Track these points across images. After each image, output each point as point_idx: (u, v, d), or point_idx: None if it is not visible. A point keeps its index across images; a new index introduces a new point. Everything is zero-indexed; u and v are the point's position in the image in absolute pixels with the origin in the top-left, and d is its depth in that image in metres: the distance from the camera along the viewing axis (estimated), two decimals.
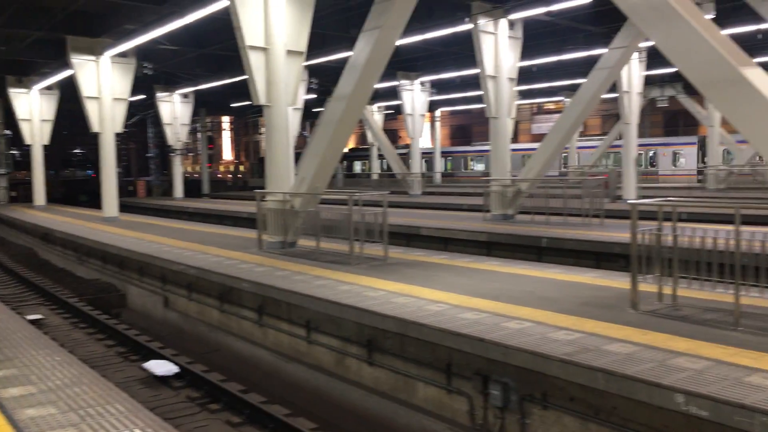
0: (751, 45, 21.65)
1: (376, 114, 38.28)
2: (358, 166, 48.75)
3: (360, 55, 12.03)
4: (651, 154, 38.33)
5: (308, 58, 18.41)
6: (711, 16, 14.43)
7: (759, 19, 16.03)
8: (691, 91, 29.88)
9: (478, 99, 34.58)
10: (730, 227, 6.66)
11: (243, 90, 13.53)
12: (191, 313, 12.18)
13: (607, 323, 6.87)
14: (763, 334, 6.29)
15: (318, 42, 20.60)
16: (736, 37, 17.15)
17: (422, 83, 30.62)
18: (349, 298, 8.41)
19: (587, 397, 5.76)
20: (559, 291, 8.69)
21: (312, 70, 26.81)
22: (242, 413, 7.73)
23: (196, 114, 38.33)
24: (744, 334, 6.32)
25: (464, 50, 20.99)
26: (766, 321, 6.70)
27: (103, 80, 20.73)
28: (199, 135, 50.59)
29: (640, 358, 5.64)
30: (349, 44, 13.91)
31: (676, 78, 29.66)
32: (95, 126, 20.91)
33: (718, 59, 6.70)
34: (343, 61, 12.92)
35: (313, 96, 31.12)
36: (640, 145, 38.24)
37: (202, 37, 22.65)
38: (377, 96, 35.42)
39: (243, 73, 12.79)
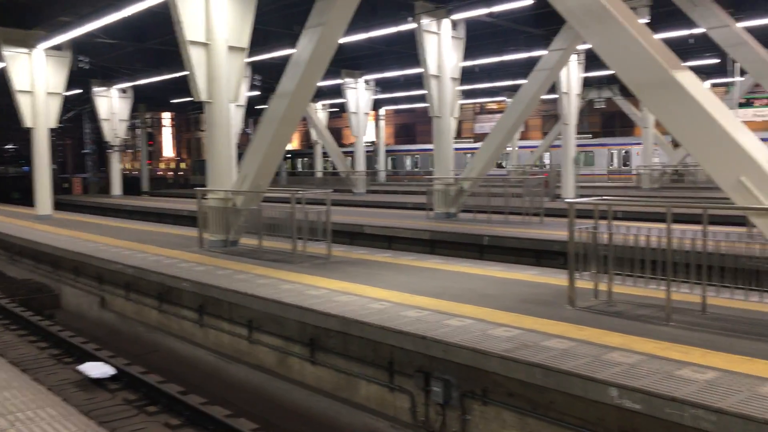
0: (684, 49, 22.42)
1: (320, 112, 38.13)
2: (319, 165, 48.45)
3: (303, 52, 11.96)
4: (624, 152, 39.32)
5: (251, 55, 18.20)
6: (645, 20, 14.88)
7: (692, 24, 16.60)
8: (626, 93, 30.76)
9: (422, 98, 34.78)
10: (662, 225, 6.88)
11: (184, 86, 13.28)
12: (129, 314, 11.89)
13: (546, 320, 7.01)
14: (692, 328, 6.52)
15: (261, 38, 20.37)
16: (669, 42, 17.76)
17: (366, 82, 30.65)
18: (291, 297, 8.35)
19: (526, 393, 5.87)
20: (500, 288, 8.82)
21: (255, 67, 26.52)
22: (182, 415, 7.58)
23: (135, 110, 37.40)
24: (675, 328, 6.54)
25: (408, 49, 21.09)
26: (695, 316, 6.95)
27: (37, 74, 20.02)
28: (138, 131, 49.44)
29: (577, 353, 5.77)
30: (292, 41, 13.80)
31: (613, 80, 30.49)
32: (28, 121, 20.18)
33: (651, 62, 6.91)
34: (287, 58, 12.82)
35: (257, 93, 30.78)
36: (613, 145, 39.20)
37: (141, 31, 22.14)
38: (321, 94, 35.30)
39: (184, 69, 12.53)
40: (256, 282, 9.46)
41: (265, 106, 13.06)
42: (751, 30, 16.42)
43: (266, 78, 27.86)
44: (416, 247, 15.39)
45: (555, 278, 9.39)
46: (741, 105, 35.56)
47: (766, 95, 30.91)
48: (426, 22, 17.19)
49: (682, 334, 6.34)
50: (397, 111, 57.85)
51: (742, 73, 19.83)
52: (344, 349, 7.62)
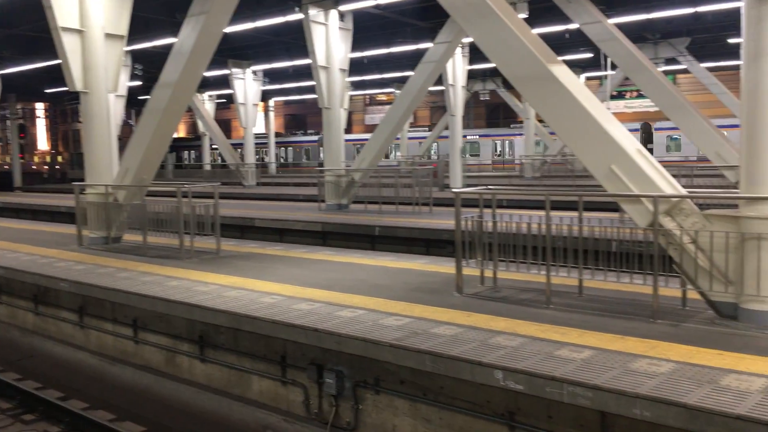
0: (561, 43, 23.50)
1: (207, 103, 37.13)
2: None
3: (186, 41, 11.58)
4: (507, 143, 40.69)
5: (131, 43, 17.46)
6: (524, 15, 15.44)
7: (567, 19, 17.39)
8: (509, 85, 31.88)
9: (312, 89, 34.60)
10: (542, 213, 7.20)
11: (59, 75, 12.51)
12: (1, 318, 11.15)
13: (435, 307, 7.18)
14: (570, 310, 6.87)
15: (141, 26, 19.54)
16: (546, 36, 18.53)
17: (254, 72, 30.11)
18: (178, 294, 8.10)
19: (416, 380, 5.99)
20: (391, 278, 8.94)
21: (136, 56, 25.44)
22: (61, 422, 7.21)
23: (4, 100, 34.97)
24: (554, 311, 6.87)
25: (297, 40, 20.87)
26: (573, 298, 7.33)
27: None
28: (8, 123, 46.26)
29: (464, 338, 5.95)
30: (175, 29, 13.32)
31: (497, 73, 31.47)
32: None
33: (529, 56, 7.18)
34: (169, 47, 12.37)
35: (138, 83, 29.55)
36: (496, 136, 40.41)
37: (9, 16, 20.66)
38: (208, 84, 34.36)
39: (58, 57, 11.82)
40: (141, 279, 9.11)
41: (148, 97, 12.54)
42: (620, 26, 17.41)
43: (148, 67, 26.75)
44: (308, 239, 15.34)
45: (444, 266, 9.62)
46: (613, 97, 37.73)
47: (635, 88, 32.85)
48: (313, 12, 17.08)
49: (561, 315, 6.67)
50: (287, 102, 57.26)
51: (614, 67, 20.99)
52: (235, 344, 7.49)
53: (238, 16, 12.60)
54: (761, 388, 4.54)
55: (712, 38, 25.73)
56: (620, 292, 7.42)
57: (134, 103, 37.92)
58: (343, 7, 17.58)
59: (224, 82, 31.26)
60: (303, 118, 61.51)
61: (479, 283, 8.05)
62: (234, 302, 7.61)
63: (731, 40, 24.13)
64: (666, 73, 31.93)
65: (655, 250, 6.44)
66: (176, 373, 8.17)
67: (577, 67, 30.95)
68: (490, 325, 6.40)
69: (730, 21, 20.99)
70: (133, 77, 27.05)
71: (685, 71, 31.44)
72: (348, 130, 46.37)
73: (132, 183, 11.94)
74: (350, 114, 48.23)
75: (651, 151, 26.47)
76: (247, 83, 29.85)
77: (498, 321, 6.53)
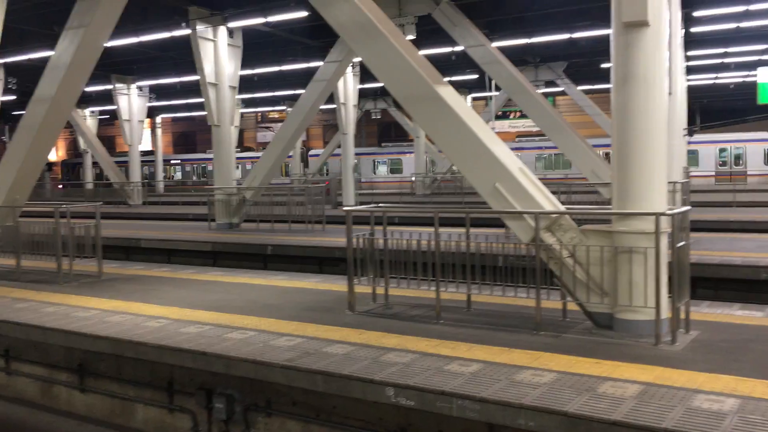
0: (448, 65, 24.24)
1: (88, 119, 35.51)
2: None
3: (63, 54, 11.04)
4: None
5: (4, 55, 16.46)
6: (411, 37, 15.81)
7: (453, 42, 17.96)
8: (399, 104, 32.44)
9: (202, 106, 33.86)
10: (432, 229, 7.35)
11: None
12: None
13: (328, 326, 7.15)
14: (459, 324, 7.04)
15: (16, 38, 18.49)
16: (433, 58, 19.07)
17: (140, 88, 29.14)
18: (55, 321, 7.65)
19: (309, 400, 5.94)
20: (283, 298, 8.84)
21: (9, 69, 24.00)
22: None
23: None
24: (444, 326, 7.01)
25: (184, 55, 20.38)
26: (461, 313, 7.51)
27: None
28: None
29: (356, 357, 5.96)
30: (52, 42, 12.68)
31: (387, 92, 31.99)
32: None
33: (417, 77, 7.36)
34: (46, 60, 11.75)
35: (12, 97, 27.86)
36: (391, 154, 40.77)
37: None
38: (89, 100, 32.90)
39: None
40: (14, 306, 8.54)
41: (23, 112, 11.85)
42: (503, 50, 18.18)
43: (23, 81, 25.30)
44: (197, 260, 14.92)
45: (337, 285, 9.61)
46: (498, 117, 39.23)
47: (519, 108, 34.18)
48: (201, 28, 16.76)
49: (450, 330, 6.81)
50: (175, 119, 55.70)
51: (498, 88, 21.85)
52: (118, 372, 7.16)
53: (121, 30, 12.15)
54: (635, 393, 4.81)
55: (586, 63, 27.33)
56: (506, 306, 7.67)
57: (8, 118, 35.69)
58: (232, 24, 17.35)
59: (107, 97, 30.04)
60: (192, 135, 59.97)
61: (371, 301, 8.10)
62: (117, 327, 7.26)
63: (604, 65, 25.68)
64: (546, 95, 33.62)
65: (537, 265, 6.72)
66: (53, 405, 7.70)
67: (463, 87, 32.00)
68: (381, 342, 6.44)
69: (602, 47, 22.34)
70: (6, 91, 25.48)
71: (563, 93, 33.18)
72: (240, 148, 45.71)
73: (4, 204, 11.20)
74: (241, 132, 47.57)
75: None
76: (131, 99, 28.83)
77: (389, 338, 6.58)
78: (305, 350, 6.20)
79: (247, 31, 18.28)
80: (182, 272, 11.26)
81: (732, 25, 20.91)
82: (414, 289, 7.71)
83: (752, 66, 27.15)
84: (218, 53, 17.23)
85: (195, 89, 25.81)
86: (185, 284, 10.04)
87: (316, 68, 18.76)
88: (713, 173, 32.48)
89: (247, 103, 38.23)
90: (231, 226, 17.70)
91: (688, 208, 6.74)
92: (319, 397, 5.84)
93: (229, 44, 17.46)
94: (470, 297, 7.59)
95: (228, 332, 6.97)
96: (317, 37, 20.68)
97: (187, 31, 17.16)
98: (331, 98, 23.13)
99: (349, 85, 23.62)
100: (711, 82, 34.18)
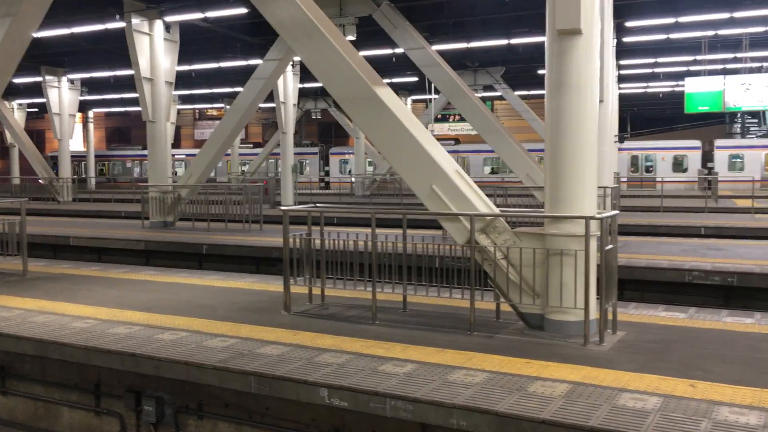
0: (388, 67, 24.34)
1: (16, 112, 34.18)
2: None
3: None
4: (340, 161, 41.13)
5: None
6: (352, 38, 15.80)
7: (394, 44, 18.04)
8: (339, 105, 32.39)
9: (137, 101, 33.04)
10: (369, 230, 7.36)
11: None
12: None
13: (262, 327, 7.07)
14: (395, 325, 7.07)
15: None
16: (374, 59, 19.10)
17: (71, 81, 28.20)
18: None
19: (242, 402, 5.86)
20: (218, 298, 8.70)
21: None
22: None
23: None
24: (380, 326, 7.03)
25: (118, 49, 19.82)
26: (398, 314, 7.55)
27: None
28: None
29: (291, 358, 5.91)
30: None
31: (328, 92, 31.91)
32: None
33: (355, 78, 7.36)
34: None
35: None
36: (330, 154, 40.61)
37: None
38: (17, 92, 31.68)
39: None
40: None
41: None
42: (443, 53, 18.35)
43: None
44: (130, 259, 14.55)
45: (273, 285, 9.52)
46: (437, 120, 39.65)
47: (458, 112, 34.50)
48: (137, 21, 16.35)
49: (386, 331, 6.83)
50: (109, 114, 54.17)
51: (437, 91, 22.07)
52: (42, 374, 6.90)
53: (52, 21, 11.73)
54: (563, 393, 4.93)
55: (524, 69, 27.92)
56: (441, 307, 7.74)
57: None
58: (168, 18, 16.98)
59: (37, 89, 28.97)
60: (127, 131, 58.44)
61: (307, 301, 8.07)
62: (41, 328, 7.00)
63: (540, 71, 26.27)
64: (484, 99, 34.18)
65: (471, 266, 6.81)
66: None
67: (404, 90, 32.21)
68: (316, 342, 6.41)
69: (539, 53, 22.81)
70: None
71: (501, 98, 33.80)
72: (176, 145, 44.86)
73: None
74: (178, 128, 46.63)
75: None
76: (62, 92, 27.89)
77: (325, 338, 6.56)
78: (239, 351, 6.12)
79: (184, 26, 17.92)
80: (113, 271, 10.96)
81: (662, 36, 21.70)
82: (350, 289, 7.70)
83: (680, 76, 28.24)
84: (154, 48, 16.84)
85: (130, 84, 25.18)
86: (115, 284, 9.77)
87: (255, 66, 18.55)
88: (626, 179, 33.51)
89: (184, 99, 37.53)
90: (166, 225, 17.33)
91: (617, 212, 6.95)
92: (252, 399, 5.77)
93: (165, 39, 17.08)
94: (406, 298, 7.63)
95: (159, 333, 6.81)
96: (257, 34, 20.45)
97: (121, 24, 16.72)
98: (271, 97, 22.93)
99: (289, 84, 23.44)
100: (642, 90, 35.39)
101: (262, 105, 33.92)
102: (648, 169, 34.88)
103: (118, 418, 6.45)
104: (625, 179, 32.69)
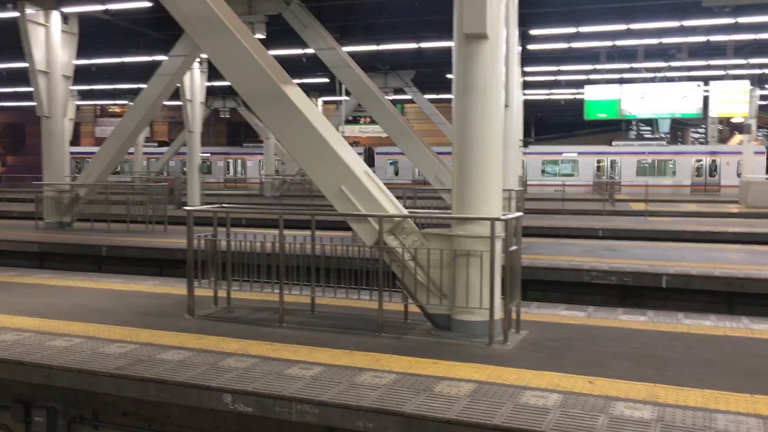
0: (299, 67, 24.11)
1: None
2: None
3: None
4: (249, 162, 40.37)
5: None
6: (261, 36, 15.53)
7: (304, 44, 17.88)
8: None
9: (31, 95, 31.28)
10: (276, 231, 7.24)
11: None
12: None
13: (164, 331, 6.82)
14: (302, 328, 6.97)
15: None
16: (285, 59, 18.88)
17: None
18: None
19: (141, 410, 5.62)
20: (117, 301, 8.33)
21: None
22: None
23: None
24: (287, 329, 6.92)
25: (10, 40, 18.73)
26: (305, 316, 7.46)
27: None
28: None
29: (193, 363, 5.71)
30: None
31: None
32: None
33: (263, 76, 7.20)
34: None
35: None
36: (236, 154, 39.61)
37: None
38: None
39: None
40: None
41: None
42: (353, 55, 18.33)
43: None
44: (22, 261, 13.74)
45: (177, 288, 9.21)
46: (349, 122, 39.68)
47: (369, 114, 34.60)
48: (31, 11, 15.48)
49: (293, 334, 6.73)
50: (1, 108, 51.14)
51: (348, 93, 22.06)
52: None
53: None
54: (468, 392, 4.99)
55: (433, 72, 28.32)
56: (350, 308, 7.70)
57: None
58: (66, 9, 16.17)
59: None
60: (21, 127, 55.33)
61: (213, 304, 7.85)
62: None
63: (449, 75, 26.72)
64: (394, 102, 34.40)
65: (380, 267, 6.81)
66: None
67: (315, 90, 32.02)
68: (221, 347, 6.23)
69: (448, 58, 23.17)
70: None
71: (411, 101, 34.15)
72: (75, 143, 42.81)
73: None
74: (78, 125, 44.57)
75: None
76: None
77: (230, 342, 6.39)
78: (138, 357, 5.87)
79: (84, 18, 17.12)
80: (2, 275, 10.31)
81: (564, 45, 22.53)
82: (257, 292, 7.55)
83: (581, 84, 29.44)
84: (50, 40, 16.00)
85: (24, 77, 23.85)
86: (5, 288, 9.20)
87: (160, 62, 17.93)
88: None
89: (84, 95, 35.89)
90: (62, 226, 16.49)
91: (521, 214, 7.12)
92: (152, 407, 5.54)
93: (63, 30, 16.26)
94: (314, 300, 7.56)
95: (51, 339, 6.44)
96: (162, 29, 19.82)
97: (14, 14, 15.78)
98: (177, 94, 22.26)
99: (196, 82, 22.83)
100: (545, 97, 36.65)
101: (168, 103, 32.98)
102: (550, 174, 36.13)
103: (5, 430, 6.05)
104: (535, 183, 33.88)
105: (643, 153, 35.57)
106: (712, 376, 5.35)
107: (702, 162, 34.31)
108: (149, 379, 5.33)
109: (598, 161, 35.71)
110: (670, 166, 34.61)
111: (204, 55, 20.48)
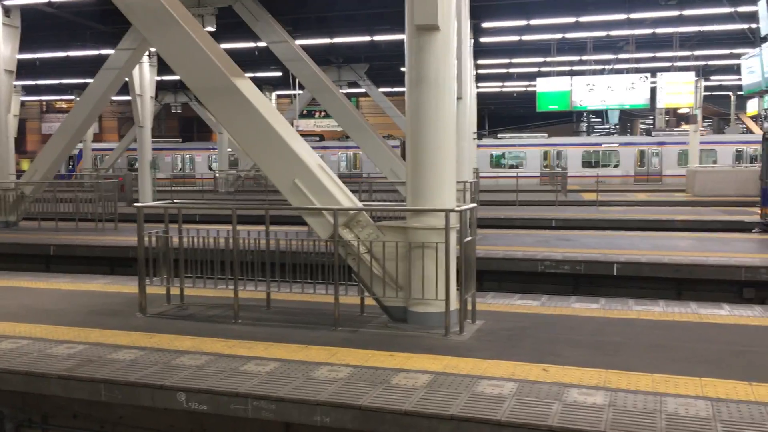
0: (251, 60, 23.81)
1: None
2: None
3: None
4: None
5: None
6: (211, 29, 15.27)
7: (256, 37, 17.68)
8: None
9: None
10: (230, 227, 7.14)
11: None
12: None
13: (115, 331, 6.67)
14: (258, 324, 6.90)
15: None
16: (237, 52, 18.61)
17: None
18: None
19: (92, 411, 5.50)
20: (66, 302, 8.12)
21: None
22: None
23: None
24: (242, 325, 6.84)
25: None
26: (261, 312, 7.38)
27: None
28: None
29: (146, 362, 5.60)
30: None
31: None
32: None
33: (214, 69, 7.08)
34: None
35: None
36: (187, 149, 38.66)
37: None
38: None
39: None
40: None
41: None
42: (307, 48, 18.21)
43: None
44: None
45: (128, 286, 9.03)
46: (304, 116, 39.41)
47: (323, 108, 34.43)
48: None
49: (248, 330, 6.66)
50: None
51: (302, 86, 21.89)
52: None
53: None
54: (425, 383, 5.00)
55: (387, 66, 28.33)
56: (306, 303, 7.66)
57: None
58: (8, 2, 15.63)
59: None
60: None
61: (165, 302, 7.71)
62: None
63: (402, 69, 26.76)
64: (349, 95, 34.37)
65: (335, 261, 6.77)
66: None
67: (268, 84, 31.71)
68: (174, 345, 6.12)
69: (401, 51, 23.19)
70: None
71: (365, 95, 34.09)
72: (21, 140, 41.58)
73: None
74: (23, 121, 43.30)
75: None
76: None
77: (183, 340, 6.28)
78: (87, 358, 5.72)
79: (27, 11, 16.56)
80: None
81: (515, 38, 22.78)
82: (211, 288, 7.44)
83: (532, 77, 29.80)
84: None
85: None
86: None
87: (107, 56, 17.50)
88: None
89: (28, 90, 34.89)
90: (7, 225, 15.99)
91: (475, 205, 7.16)
92: (104, 408, 5.42)
93: (4, 24, 15.72)
94: (270, 295, 7.48)
95: None
96: (109, 22, 19.35)
97: None
98: (127, 89, 21.78)
99: (145, 76, 22.34)
100: (498, 89, 37.00)
101: (117, 98, 32.24)
102: (501, 165, 36.38)
103: None
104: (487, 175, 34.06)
105: (590, 144, 36.23)
106: (662, 361, 5.48)
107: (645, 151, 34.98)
108: (100, 380, 5.20)
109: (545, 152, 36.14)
110: (614, 157, 35.23)
111: (154, 49, 20.07)
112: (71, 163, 39.73)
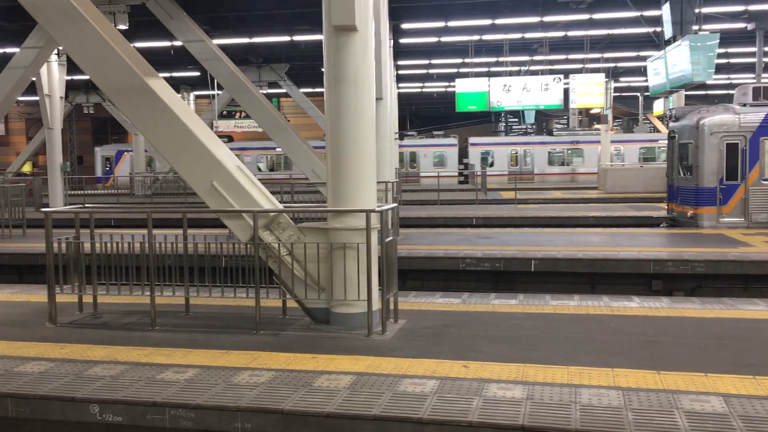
0: (167, 60, 23.21)
1: None
2: None
3: None
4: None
5: None
6: (124, 27, 14.76)
7: (172, 36, 17.21)
8: None
9: None
10: (145, 231, 6.92)
11: None
12: None
13: (22, 342, 6.36)
14: (176, 330, 6.73)
15: None
16: (151, 51, 18.10)
17: None
18: None
19: None
20: None
21: None
22: None
23: None
24: (160, 332, 6.65)
25: None
26: (180, 317, 7.20)
27: None
28: None
29: (56, 374, 5.36)
30: None
31: None
32: None
33: (125, 68, 6.84)
34: None
35: None
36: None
37: None
38: None
39: None
40: None
41: None
42: (225, 48, 17.89)
43: None
44: None
45: (37, 295, 8.63)
46: (223, 117, 38.64)
47: (242, 108, 33.90)
48: None
49: (166, 337, 6.48)
50: None
51: (221, 87, 21.49)
52: None
53: None
54: (348, 384, 4.99)
55: (307, 66, 28.16)
56: (226, 307, 7.52)
57: None
58: None
59: None
60: None
61: (77, 311, 7.41)
62: None
63: (323, 69, 26.67)
64: (270, 96, 33.96)
65: (256, 264, 6.67)
66: None
67: (186, 84, 30.99)
68: (87, 355, 5.89)
69: (321, 51, 23.19)
70: None
71: (286, 95, 33.77)
72: None
73: None
74: None
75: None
76: None
77: (96, 350, 6.05)
78: None
79: None
80: None
81: (434, 39, 23.08)
82: (127, 295, 7.20)
83: (452, 77, 30.27)
84: None
85: None
86: None
87: (12, 54, 16.67)
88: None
89: None
90: None
91: (396, 205, 7.21)
92: (11, 424, 5.15)
93: None
94: (188, 300, 7.30)
95: None
96: (14, 19, 18.45)
97: None
98: (34, 89, 20.81)
99: (54, 75, 21.38)
100: (418, 90, 37.38)
101: (24, 98, 30.79)
102: (413, 165, 36.44)
103: None
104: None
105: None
106: (577, 353, 5.66)
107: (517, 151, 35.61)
108: (6, 395, 4.95)
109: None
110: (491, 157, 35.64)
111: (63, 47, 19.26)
112: None
